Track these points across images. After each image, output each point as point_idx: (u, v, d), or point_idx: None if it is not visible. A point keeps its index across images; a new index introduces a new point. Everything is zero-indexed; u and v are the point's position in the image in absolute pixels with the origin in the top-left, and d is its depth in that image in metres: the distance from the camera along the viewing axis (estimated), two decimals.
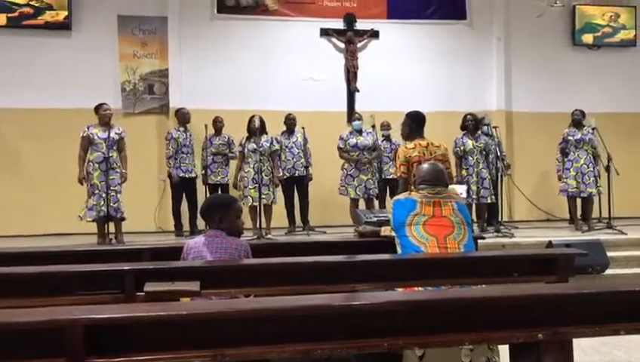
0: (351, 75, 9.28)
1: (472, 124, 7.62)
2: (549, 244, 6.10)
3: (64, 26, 8.63)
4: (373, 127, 7.83)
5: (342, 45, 9.35)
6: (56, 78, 8.57)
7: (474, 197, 7.42)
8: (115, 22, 8.80)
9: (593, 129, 7.77)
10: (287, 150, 7.86)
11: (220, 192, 7.67)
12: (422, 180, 3.45)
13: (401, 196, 3.53)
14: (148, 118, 8.85)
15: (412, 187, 4.11)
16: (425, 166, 3.59)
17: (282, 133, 7.94)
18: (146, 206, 8.44)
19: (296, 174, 7.86)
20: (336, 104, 9.18)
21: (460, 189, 7.02)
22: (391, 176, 7.76)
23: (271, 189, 7.53)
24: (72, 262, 3.04)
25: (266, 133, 7.60)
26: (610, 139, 7.77)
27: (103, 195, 6.64)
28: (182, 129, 7.78)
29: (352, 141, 7.72)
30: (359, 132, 7.79)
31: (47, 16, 8.59)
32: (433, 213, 3.24)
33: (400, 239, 3.29)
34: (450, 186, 4.61)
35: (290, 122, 7.94)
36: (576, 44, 9.92)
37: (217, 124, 7.92)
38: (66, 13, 8.58)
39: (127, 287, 2.64)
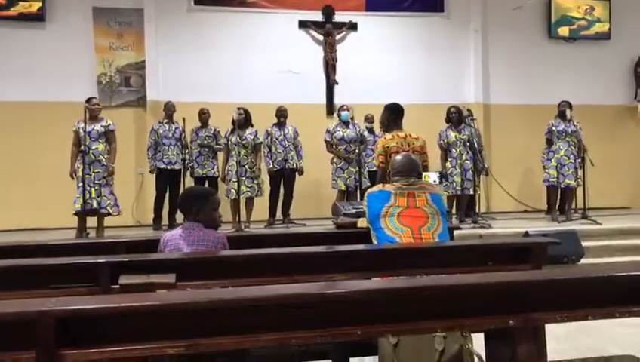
0: (330, 67, 9.28)
1: (456, 117, 7.67)
2: (526, 234, 6.18)
3: (38, 18, 8.51)
4: (352, 119, 7.85)
5: (320, 37, 9.35)
6: (30, 70, 8.45)
7: (458, 188, 7.48)
8: (90, 13, 8.70)
9: (577, 123, 7.84)
10: (277, 142, 7.83)
11: (207, 185, 7.61)
12: (395, 171, 3.47)
13: (375, 189, 3.55)
14: (125, 110, 8.76)
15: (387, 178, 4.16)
16: (398, 157, 3.61)
17: (273, 125, 7.91)
18: (124, 200, 8.32)
19: (286, 167, 7.85)
20: (316, 96, 9.19)
21: (432, 176, 7.11)
22: (373, 169, 7.79)
23: (255, 182, 7.51)
24: (46, 256, 3.00)
25: (252, 126, 7.58)
26: (585, 131, 7.89)
27: (88, 188, 6.56)
28: (165, 121, 7.72)
29: (339, 134, 7.74)
30: (346, 124, 7.79)
31: (21, 8, 8.46)
32: (407, 204, 3.26)
33: (375, 231, 3.32)
34: (425, 173, 4.67)
35: (281, 114, 7.92)
36: (552, 37, 10.04)
37: (203, 116, 7.87)
38: (40, 4, 8.47)
39: (101, 280, 2.61)
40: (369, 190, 3.60)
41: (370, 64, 9.37)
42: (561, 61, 9.99)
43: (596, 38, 10.16)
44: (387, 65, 9.48)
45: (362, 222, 3.63)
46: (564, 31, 10.06)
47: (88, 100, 6.80)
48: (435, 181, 7.16)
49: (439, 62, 9.68)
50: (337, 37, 9.37)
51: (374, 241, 3.32)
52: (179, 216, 7.12)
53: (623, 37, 10.14)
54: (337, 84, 9.28)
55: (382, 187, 3.51)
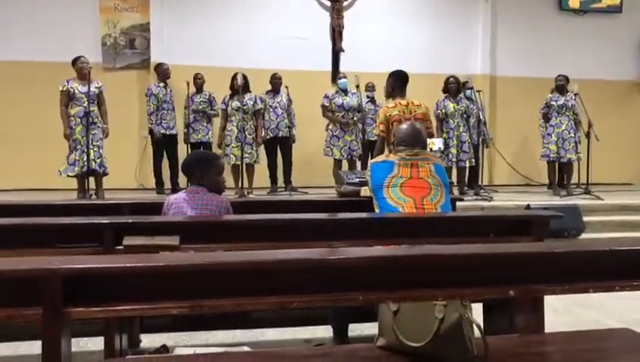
0: (336, 34, 9.19)
1: (454, 87, 7.62)
2: (527, 208, 6.18)
3: None
4: (357, 87, 7.78)
5: (328, 3, 9.24)
6: (35, 30, 8.39)
7: (453, 160, 7.46)
8: None
9: (575, 95, 7.81)
10: (271, 110, 7.79)
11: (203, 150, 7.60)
12: (400, 141, 3.44)
13: (379, 158, 3.53)
14: (129, 73, 8.72)
15: (391, 147, 4.15)
16: (403, 126, 3.57)
17: (267, 93, 7.86)
18: (127, 162, 8.39)
19: (280, 135, 7.82)
20: (321, 64, 9.12)
21: (437, 143, 7.07)
22: (374, 138, 7.76)
23: (254, 148, 7.51)
24: (53, 216, 3.02)
25: (250, 92, 7.53)
26: (592, 106, 7.84)
27: (86, 150, 6.56)
28: (162, 85, 7.68)
29: (338, 101, 7.68)
30: (344, 91, 7.73)
31: None
32: (410, 175, 3.25)
33: (378, 201, 3.32)
34: (429, 140, 4.62)
35: (275, 82, 7.85)
36: (563, 9, 9.90)
37: (198, 81, 7.80)
38: None
39: (106, 241, 2.63)
40: (372, 160, 3.59)
41: (377, 32, 9.27)
42: (570, 34, 9.87)
43: (607, 12, 10.01)
44: (394, 33, 9.37)
45: (365, 191, 3.64)
46: (574, 3, 9.91)
47: (77, 59, 6.66)
48: (439, 148, 7.14)
49: (447, 32, 9.57)
50: (345, 3, 9.26)
51: (377, 211, 3.33)
52: (182, 180, 7.16)
53: (634, 10, 10.00)
54: (343, 51, 9.19)
55: (385, 157, 3.49)
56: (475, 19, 9.66)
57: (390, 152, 3.60)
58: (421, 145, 3.43)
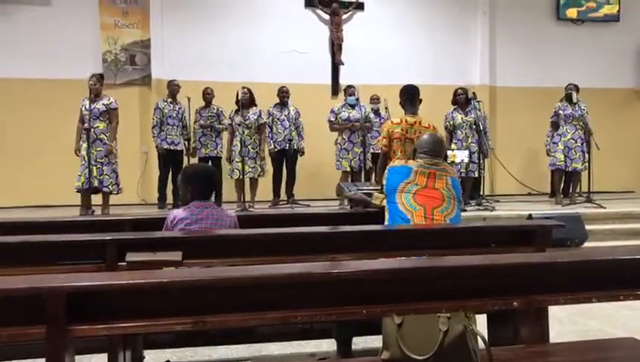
0: (336, 47, 9.23)
1: (463, 99, 7.63)
2: (529, 217, 6.17)
3: None
4: (358, 100, 7.81)
5: (327, 17, 9.29)
6: (36, 47, 8.43)
7: (462, 171, 7.45)
8: None
9: (584, 106, 7.77)
10: (279, 123, 7.79)
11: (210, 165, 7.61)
12: (421, 150, 3.37)
13: (397, 163, 3.47)
14: (130, 89, 8.75)
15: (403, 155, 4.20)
16: (425, 137, 3.51)
17: (275, 106, 7.87)
18: (129, 178, 8.38)
19: (287, 147, 7.83)
20: (321, 77, 9.16)
21: (460, 155, 7.05)
22: (378, 151, 7.73)
23: (258, 163, 7.52)
24: (53, 233, 3.02)
25: (255, 106, 7.56)
26: (592, 114, 7.85)
27: (89, 167, 6.59)
28: (169, 100, 7.70)
29: (344, 115, 7.67)
30: (352, 106, 7.73)
31: None
32: (426, 184, 3.21)
33: (389, 205, 3.29)
34: (452, 153, 4.54)
35: (283, 95, 7.87)
36: (561, 19, 9.95)
37: (207, 96, 7.84)
38: None
39: (109, 257, 2.63)
40: (391, 163, 3.54)
41: (376, 44, 9.31)
42: (568, 43, 9.91)
43: (605, 21, 10.06)
44: (393, 45, 9.42)
45: (377, 199, 3.59)
46: (572, 12, 9.96)
47: (90, 78, 6.79)
48: (463, 160, 7.14)
49: (446, 43, 9.61)
50: (344, 16, 9.31)
51: (386, 215, 3.31)
52: None
53: (632, 19, 10.04)
54: (343, 64, 9.24)
55: (405, 162, 3.44)
56: (474, 30, 9.71)
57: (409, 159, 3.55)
58: (442, 156, 3.40)
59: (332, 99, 8.85)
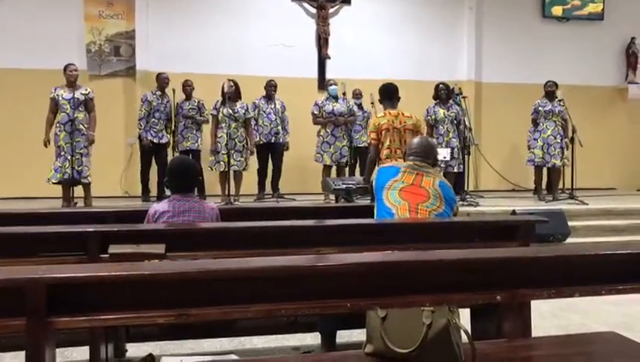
0: (322, 41, 9.21)
1: (445, 94, 7.67)
2: (513, 213, 6.23)
3: None
4: (344, 94, 7.81)
5: (313, 11, 9.26)
6: (19, 37, 8.30)
7: (442, 166, 7.49)
8: None
9: (559, 101, 7.87)
10: (264, 116, 7.77)
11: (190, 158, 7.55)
12: (411, 152, 3.40)
13: (387, 163, 3.60)
14: (114, 80, 8.67)
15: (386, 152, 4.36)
16: (416, 139, 3.55)
17: (261, 98, 7.85)
18: (112, 170, 8.33)
19: (272, 141, 7.80)
20: (307, 71, 9.13)
21: (442, 153, 7.09)
22: (362, 145, 7.77)
23: (244, 156, 7.49)
24: (34, 224, 2.99)
25: (240, 99, 7.53)
26: (575, 111, 7.92)
27: (69, 157, 6.51)
28: (158, 93, 7.63)
29: (328, 108, 7.67)
30: (335, 98, 7.73)
31: None
32: (412, 182, 3.22)
33: (377, 202, 3.32)
34: None
35: (270, 88, 7.85)
36: (546, 16, 10.01)
37: (187, 88, 7.78)
38: None
39: (90, 250, 2.60)
40: (381, 164, 3.64)
41: (362, 39, 9.31)
42: (553, 41, 9.98)
43: (589, 19, 10.14)
44: (380, 40, 9.42)
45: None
46: (557, 10, 10.03)
47: (67, 67, 6.70)
48: (445, 157, 7.17)
49: (432, 39, 9.63)
50: (330, 10, 9.29)
51: (375, 213, 3.34)
52: None
53: (616, 18, 10.13)
54: (329, 58, 9.22)
55: (394, 163, 3.55)
56: (461, 26, 9.74)
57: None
58: (432, 160, 3.39)
59: (319, 93, 8.83)
